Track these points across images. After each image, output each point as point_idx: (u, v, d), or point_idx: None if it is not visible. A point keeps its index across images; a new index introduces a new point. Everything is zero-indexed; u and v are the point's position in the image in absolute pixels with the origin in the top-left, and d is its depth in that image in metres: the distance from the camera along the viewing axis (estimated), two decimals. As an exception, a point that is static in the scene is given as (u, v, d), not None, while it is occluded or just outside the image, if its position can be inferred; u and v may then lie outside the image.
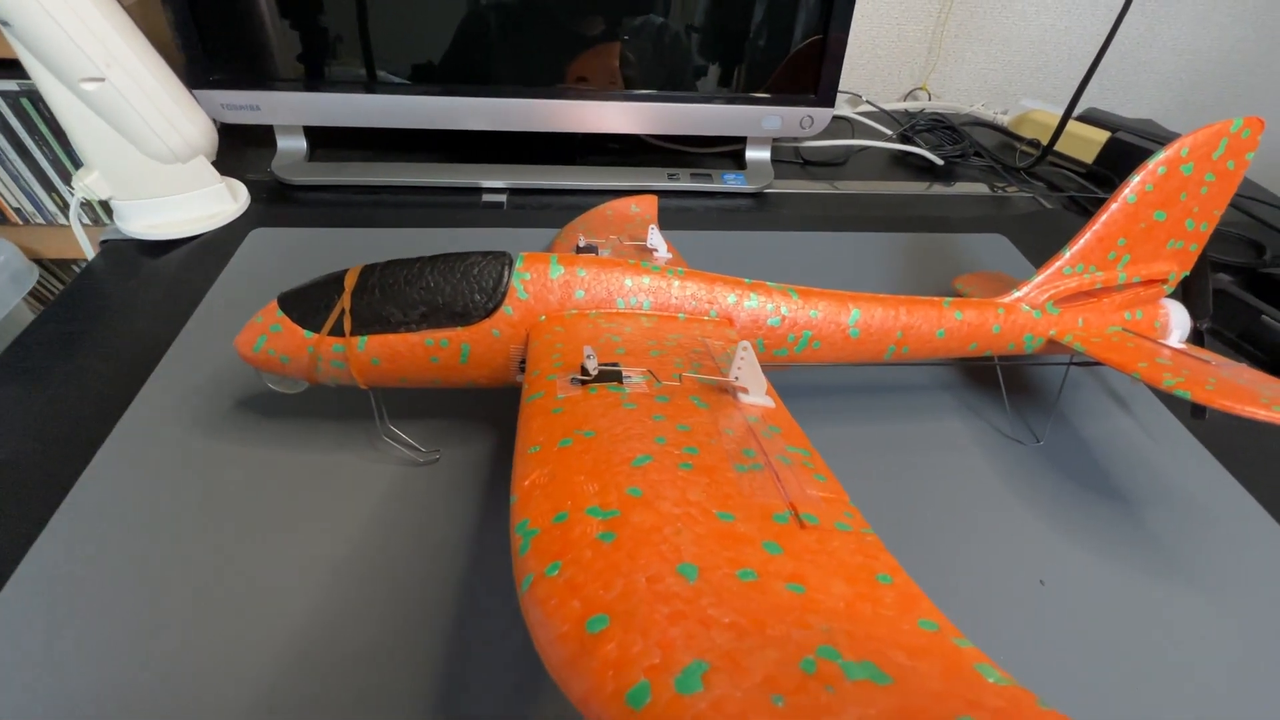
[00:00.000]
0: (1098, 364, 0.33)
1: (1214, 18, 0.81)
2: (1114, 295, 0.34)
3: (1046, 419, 0.38)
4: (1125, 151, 0.65)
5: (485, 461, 0.34)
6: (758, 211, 0.59)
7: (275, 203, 0.53)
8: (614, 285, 0.29)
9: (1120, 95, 0.85)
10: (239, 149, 0.58)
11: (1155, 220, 0.32)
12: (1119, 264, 0.33)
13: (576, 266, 0.29)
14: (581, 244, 0.38)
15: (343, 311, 0.28)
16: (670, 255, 0.39)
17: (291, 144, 0.57)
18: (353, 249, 0.49)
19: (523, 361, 0.30)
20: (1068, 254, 0.33)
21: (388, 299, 0.28)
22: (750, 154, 0.61)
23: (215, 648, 0.25)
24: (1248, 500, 0.36)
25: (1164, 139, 0.64)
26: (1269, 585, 0.32)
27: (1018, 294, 0.34)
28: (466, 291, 0.29)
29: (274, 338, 0.28)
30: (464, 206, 0.55)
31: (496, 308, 0.29)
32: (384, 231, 0.50)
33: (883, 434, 0.37)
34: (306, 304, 0.29)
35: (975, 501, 0.34)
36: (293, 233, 0.49)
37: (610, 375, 0.23)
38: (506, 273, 0.29)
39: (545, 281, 0.28)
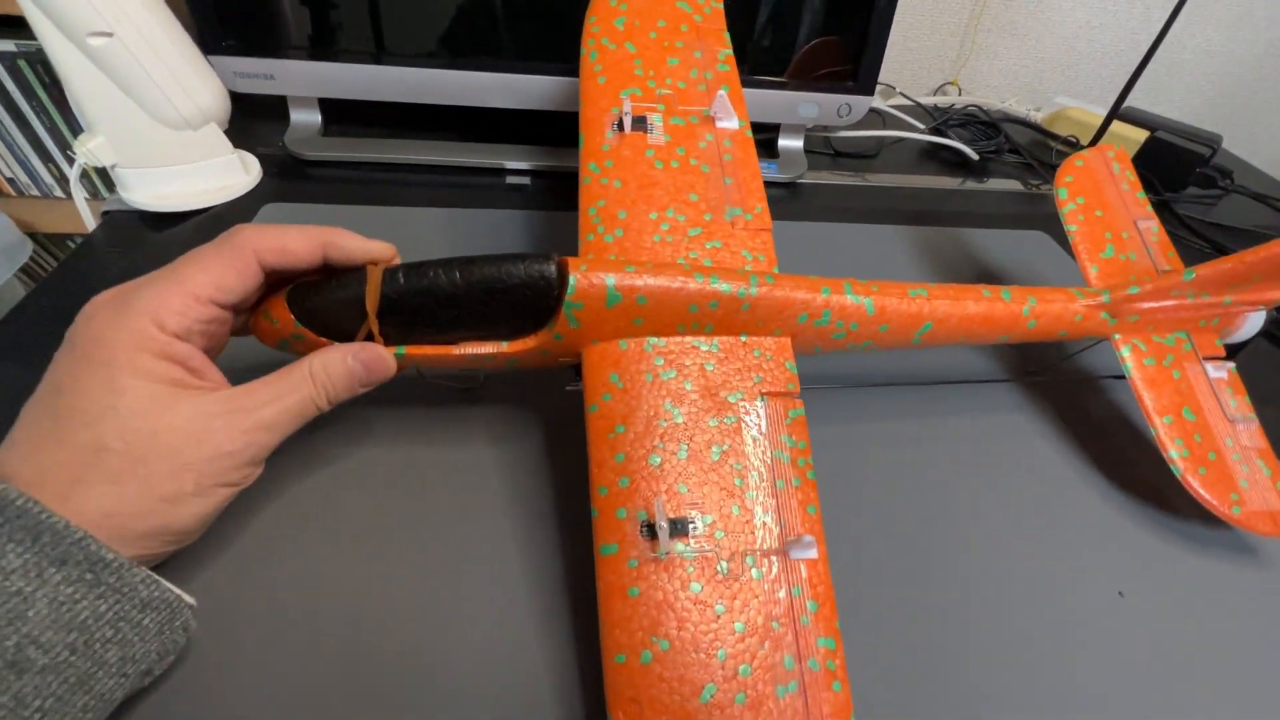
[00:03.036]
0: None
1: (1247, 21, 0.79)
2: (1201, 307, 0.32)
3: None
4: (1165, 150, 0.63)
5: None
6: (790, 201, 0.56)
7: (288, 178, 0.50)
8: (677, 314, 0.27)
9: (1151, 95, 0.84)
10: (250, 121, 0.55)
11: None
12: (1234, 290, 0.31)
13: (636, 294, 0.26)
14: (625, 113, 0.32)
15: (370, 332, 0.26)
16: (738, 125, 0.33)
17: (305, 117, 0.54)
18: (369, 227, 0.44)
19: (576, 367, 0.27)
20: (1191, 279, 0.31)
21: (421, 320, 0.26)
22: (783, 143, 0.59)
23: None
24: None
25: (1205, 138, 0.62)
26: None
27: (1102, 299, 0.32)
28: (510, 318, 0.26)
29: (296, 345, 0.26)
30: (486, 188, 0.52)
31: (545, 331, 0.27)
32: (402, 210, 0.48)
33: (947, 427, 0.35)
34: (326, 317, 0.25)
35: (1051, 508, 0.32)
36: (307, 209, 0.47)
37: (678, 529, 0.23)
38: (557, 303, 0.26)
39: (600, 311, 0.26)
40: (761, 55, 0.53)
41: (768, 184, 0.58)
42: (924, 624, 0.27)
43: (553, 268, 0.25)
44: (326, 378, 0.24)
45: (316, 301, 0.25)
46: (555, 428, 0.33)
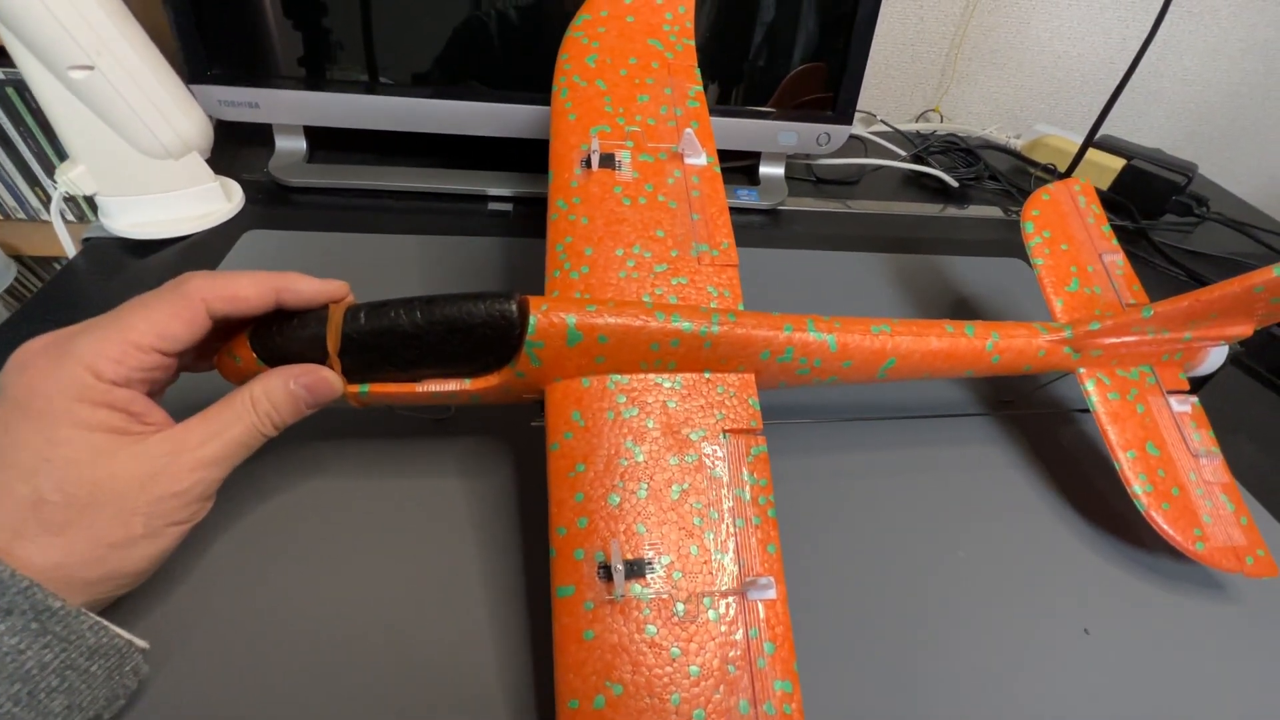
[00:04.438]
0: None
1: (1225, 50, 0.81)
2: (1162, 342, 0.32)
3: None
4: (1141, 178, 0.64)
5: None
6: (771, 229, 0.57)
7: (272, 204, 0.51)
8: (638, 353, 0.27)
9: (1130, 123, 0.85)
10: (234, 147, 0.56)
11: (1268, 303, 0.30)
12: (1193, 326, 0.32)
13: (597, 333, 0.26)
14: (593, 151, 0.32)
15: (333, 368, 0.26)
16: (706, 161, 0.34)
17: (290, 144, 0.54)
18: (351, 254, 0.46)
19: (541, 403, 0.28)
20: (1149, 315, 0.31)
21: (383, 358, 0.26)
22: (764, 170, 0.60)
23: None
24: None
25: (1179, 167, 0.63)
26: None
27: (1065, 334, 0.32)
28: (472, 355, 0.26)
29: None
30: (469, 214, 0.53)
31: (507, 370, 0.27)
32: (385, 238, 0.48)
33: (916, 459, 0.35)
34: (288, 356, 0.26)
35: (1020, 543, 0.32)
36: (289, 236, 0.47)
37: (635, 570, 0.23)
38: (518, 342, 0.26)
39: (561, 349, 0.26)
40: (745, 84, 0.54)
41: (748, 210, 0.59)
42: (888, 662, 0.27)
43: (514, 307, 0.26)
44: (269, 404, 0.25)
45: (278, 341, 0.25)
46: (526, 460, 0.33)
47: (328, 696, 0.24)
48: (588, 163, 0.32)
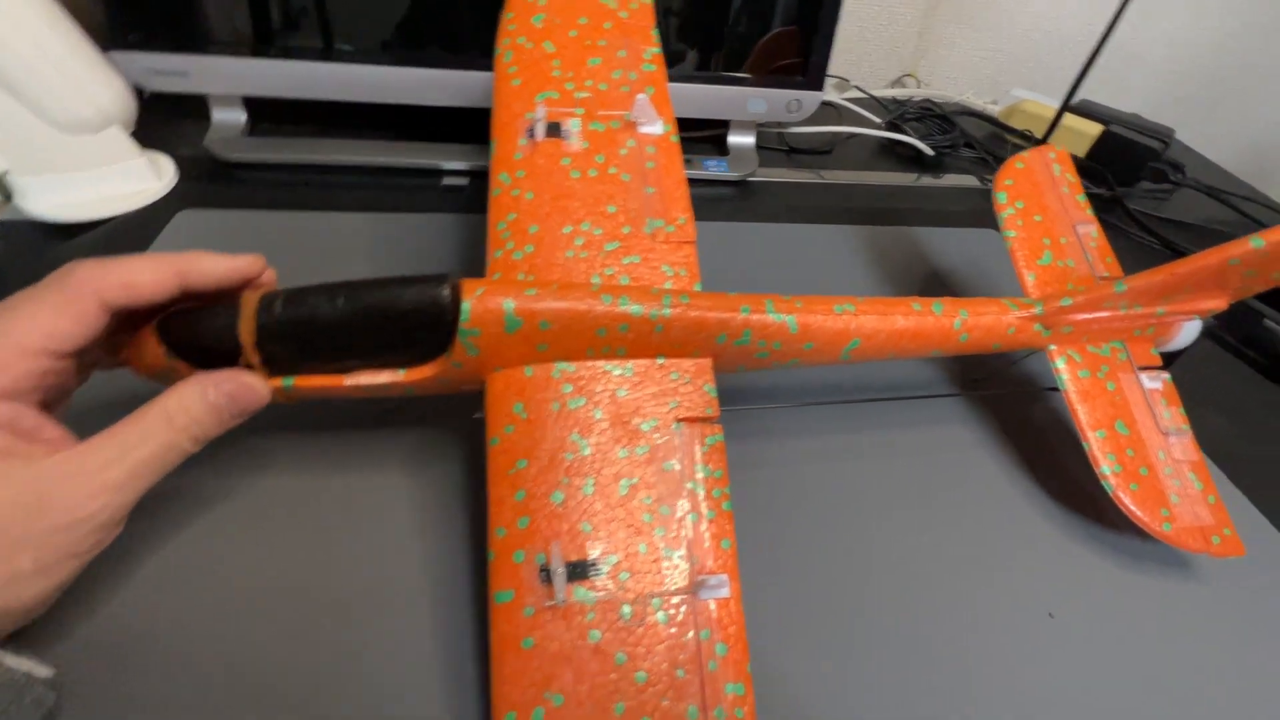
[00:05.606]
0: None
1: (1207, 10, 0.79)
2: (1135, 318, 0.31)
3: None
4: (1119, 145, 0.62)
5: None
6: (740, 201, 0.55)
7: (209, 182, 0.48)
8: (584, 339, 0.25)
9: (1110, 87, 0.83)
10: (168, 121, 0.52)
11: (1244, 276, 0.28)
12: (1166, 301, 0.30)
13: (538, 319, 0.24)
14: (539, 119, 0.30)
15: (251, 365, 0.24)
16: (664, 130, 0.31)
17: (228, 116, 0.51)
18: (295, 235, 0.44)
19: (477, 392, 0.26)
20: (1122, 290, 0.30)
21: (306, 351, 0.24)
22: (733, 139, 0.58)
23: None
24: (1261, 522, 0.34)
25: (1158, 133, 0.62)
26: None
27: (1035, 310, 0.31)
28: (404, 344, 0.24)
29: (170, 376, 0.24)
30: (423, 189, 0.50)
31: (443, 359, 0.25)
32: (332, 216, 0.45)
33: (883, 443, 0.34)
34: (200, 349, 0.23)
35: (988, 525, 0.31)
36: (227, 215, 0.44)
37: (578, 572, 0.22)
38: (452, 330, 0.24)
39: (500, 337, 0.24)
40: (720, 50, 0.52)
41: (717, 182, 0.57)
42: (850, 655, 0.26)
43: (446, 292, 0.24)
44: (187, 418, 0.22)
45: (188, 333, 0.23)
46: (476, 454, 0.31)
47: (260, 714, 0.22)
48: (532, 132, 0.30)
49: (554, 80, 0.32)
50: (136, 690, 0.22)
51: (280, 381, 0.24)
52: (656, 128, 0.31)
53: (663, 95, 0.32)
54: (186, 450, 0.23)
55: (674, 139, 0.32)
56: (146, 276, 0.22)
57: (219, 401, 0.23)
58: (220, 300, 0.24)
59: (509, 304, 0.24)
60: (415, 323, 0.24)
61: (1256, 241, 0.26)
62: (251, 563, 0.26)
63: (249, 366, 0.24)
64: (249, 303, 0.23)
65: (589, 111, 0.31)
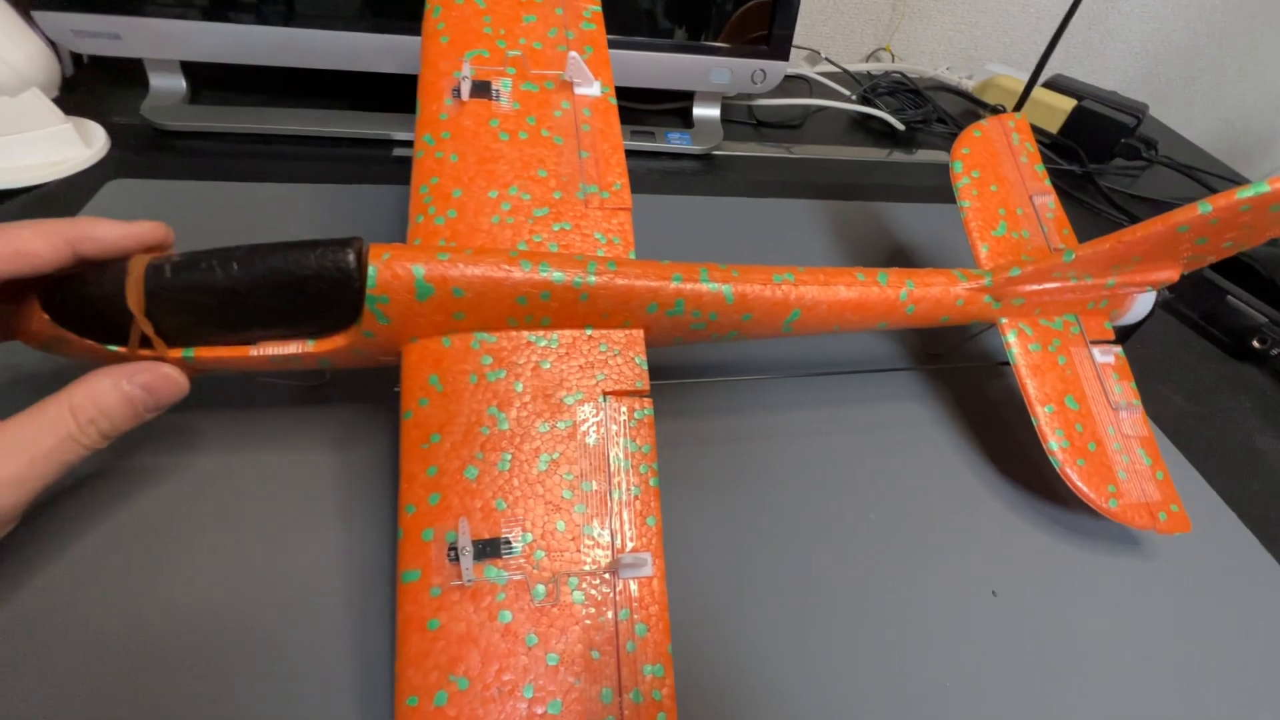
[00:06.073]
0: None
1: (1183, -16, 0.78)
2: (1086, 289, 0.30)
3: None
4: (1092, 120, 0.61)
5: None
6: (704, 175, 0.53)
7: (145, 151, 0.46)
8: (503, 308, 0.24)
9: (1087, 64, 0.82)
10: (109, 88, 0.50)
11: (1194, 244, 0.27)
12: (1116, 272, 0.29)
13: (451, 285, 0.23)
14: (466, 78, 0.28)
15: (144, 336, 0.22)
16: (600, 91, 0.30)
17: (167, 83, 0.49)
18: (234, 206, 0.42)
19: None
20: (1070, 260, 0.29)
21: (203, 320, 0.22)
22: (698, 111, 0.56)
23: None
24: (1212, 498, 0.34)
25: (1131, 108, 0.61)
26: (1231, 587, 0.30)
27: (984, 282, 0.30)
28: (309, 313, 0.23)
29: (60, 346, 0.22)
30: (373, 161, 0.48)
31: (354, 329, 0.23)
32: (275, 187, 0.44)
33: (829, 419, 0.33)
34: (88, 318, 0.22)
35: (935, 503, 0.31)
36: (159, 185, 0.42)
37: (489, 550, 0.21)
38: (359, 297, 0.23)
39: (410, 305, 0.23)
40: (673, 19, 0.50)
41: (680, 155, 0.55)
42: (784, 636, 0.26)
43: (351, 256, 0.22)
44: (96, 410, 0.21)
45: (72, 301, 0.22)
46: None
47: (171, 697, 0.21)
48: (459, 92, 0.28)
49: (484, 37, 0.30)
50: (48, 675, 0.21)
51: (180, 353, 0.23)
52: (593, 89, 0.30)
53: (602, 55, 0.31)
54: (92, 446, 0.21)
55: (612, 100, 0.30)
56: (35, 244, 0.20)
57: (134, 394, 0.21)
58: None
59: (419, 269, 0.22)
60: (319, 289, 0.22)
61: (1204, 207, 0.25)
62: (174, 544, 0.25)
63: (144, 338, 0.22)
64: (136, 268, 0.22)
65: (521, 71, 0.30)
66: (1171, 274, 0.29)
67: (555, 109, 0.29)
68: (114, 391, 0.21)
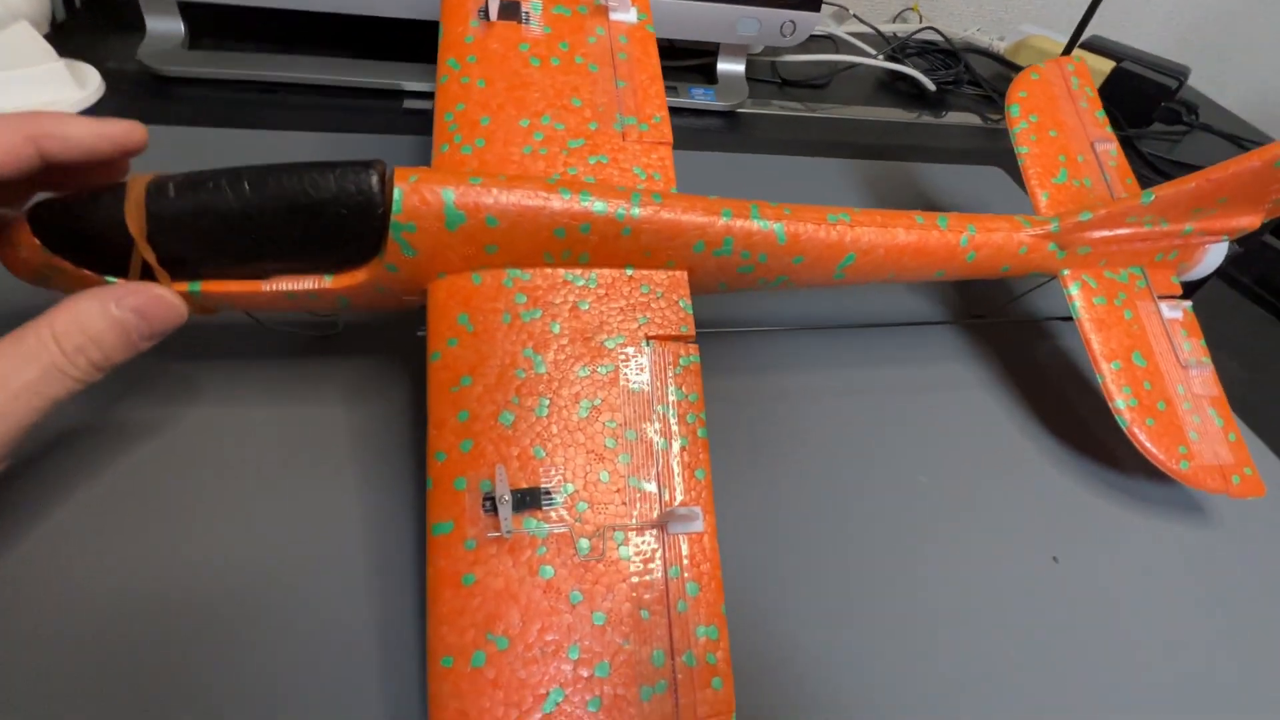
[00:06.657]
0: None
1: (1224, -54, 0.75)
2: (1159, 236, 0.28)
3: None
4: (1131, 83, 0.59)
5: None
6: (728, 132, 0.51)
7: (143, 98, 0.43)
8: (539, 241, 0.21)
9: (1122, 28, 0.79)
10: (99, 32, 0.47)
11: None
12: (1197, 216, 0.27)
13: (485, 213, 0.21)
14: None
15: (146, 264, 0.20)
16: (637, 18, 0.28)
17: (165, 25, 0.46)
18: (236, 154, 0.38)
19: (423, 308, 0.22)
20: (1150, 201, 0.26)
21: (210, 248, 0.20)
22: (722, 67, 0.53)
23: None
24: (1276, 465, 0.32)
25: (1173, 71, 0.58)
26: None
27: (1050, 228, 0.28)
28: (328, 243, 0.21)
29: (58, 279, 0.20)
30: (382, 112, 0.46)
31: (376, 262, 0.21)
32: (280, 135, 0.41)
33: (875, 376, 0.32)
34: (83, 244, 0.20)
35: (987, 466, 0.29)
36: (157, 131, 0.38)
37: (529, 501, 0.19)
38: (383, 225, 0.20)
39: (439, 235, 0.21)
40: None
41: (704, 112, 0.53)
42: (840, 599, 0.24)
43: (374, 178, 0.20)
44: (83, 337, 0.18)
45: (67, 224, 0.20)
46: (422, 378, 0.28)
47: (182, 663, 0.20)
48: (486, 11, 0.26)
49: (513, -45, 0.27)
50: (52, 638, 0.19)
51: (185, 286, 0.21)
52: (630, 15, 0.28)
53: (639, -22, 0.28)
54: (82, 378, 0.19)
55: (649, 29, 0.28)
56: None
57: (125, 318, 0.19)
58: (96, 178, 0.20)
59: (449, 194, 0.20)
60: (338, 215, 0.20)
61: (1307, 140, 0.23)
62: (178, 500, 0.23)
63: (145, 266, 0.20)
64: (136, 187, 0.19)
65: None
66: (1254, 220, 0.27)
67: (589, 35, 0.27)
68: (102, 316, 0.18)
